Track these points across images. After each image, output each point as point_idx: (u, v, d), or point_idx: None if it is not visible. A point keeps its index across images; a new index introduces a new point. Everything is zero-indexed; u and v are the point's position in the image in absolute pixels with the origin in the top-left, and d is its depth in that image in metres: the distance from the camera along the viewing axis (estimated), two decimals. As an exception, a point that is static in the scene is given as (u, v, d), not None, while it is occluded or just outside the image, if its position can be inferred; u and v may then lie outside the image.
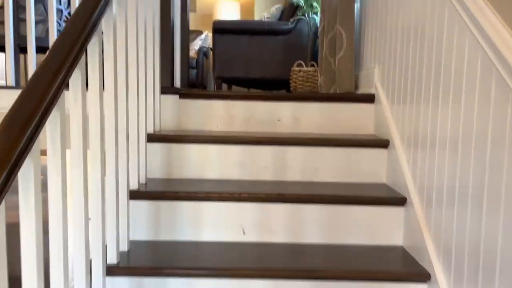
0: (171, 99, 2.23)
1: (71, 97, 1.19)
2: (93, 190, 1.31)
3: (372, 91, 2.26)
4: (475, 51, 1.21)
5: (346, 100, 2.26)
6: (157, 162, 1.94)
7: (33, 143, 0.93)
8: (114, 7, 1.38)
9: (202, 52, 5.35)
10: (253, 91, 4.03)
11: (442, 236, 1.41)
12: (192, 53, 5.40)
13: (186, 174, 1.94)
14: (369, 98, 2.24)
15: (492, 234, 1.11)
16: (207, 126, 2.25)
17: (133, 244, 1.66)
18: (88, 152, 1.27)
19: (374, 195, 1.75)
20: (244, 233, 1.72)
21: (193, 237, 1.72)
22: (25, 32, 2.20)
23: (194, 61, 5.26)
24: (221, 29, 3.56)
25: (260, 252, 1.65)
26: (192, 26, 6.46)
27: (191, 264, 1.53)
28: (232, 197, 1.71)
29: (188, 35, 2.56)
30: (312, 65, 3.14)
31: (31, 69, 2.22)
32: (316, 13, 3.49)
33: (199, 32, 5.91)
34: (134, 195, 1.69)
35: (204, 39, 5.72)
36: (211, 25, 5.77)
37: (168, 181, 1.91)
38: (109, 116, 1.40)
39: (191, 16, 5.70)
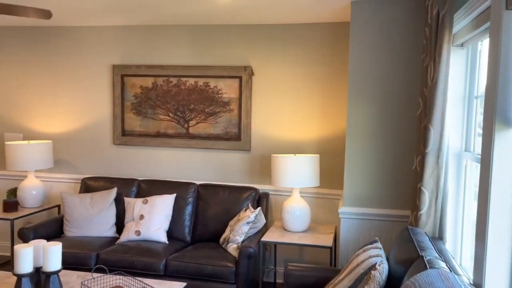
0: None
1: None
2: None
3: None
4: None
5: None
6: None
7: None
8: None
9: (246, 254, 3.08)
10: None
11: None
12: (232, 248, 3.26)
13: None
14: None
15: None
16: None
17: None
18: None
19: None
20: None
21: None
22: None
23: (232, 269, 3.06)
24: None
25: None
26: (243, 178, 3.85)
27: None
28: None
29: None
30: None
31: None
32: None
33: (251, 193, 3.67)
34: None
35: (254, 221, 3.37)
36: (270, 180, 3.62)
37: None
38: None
39: (241, 157, 3.50)
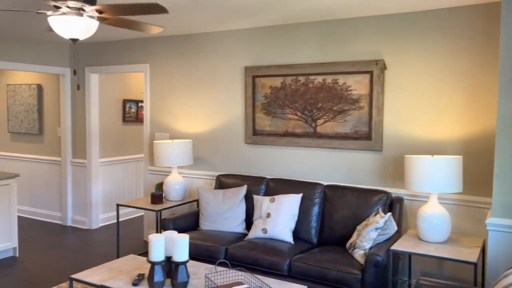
0: None
1: None
2: None
3: None
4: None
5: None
6: None
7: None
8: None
9: (373, 263, 2.85)
10: None
11: None
12: (358, 254, 3.06)
13: None
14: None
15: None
16: None
17: None
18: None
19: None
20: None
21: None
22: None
23: (358, 277, 2.86)
24: None
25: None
26: (374, 180, 3.54)
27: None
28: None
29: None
30: None
31: None
32: None
33: (382, 196, 3.41)
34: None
35: (383, 227, 3.10)
36: (403, 181, 3.13)
37: None
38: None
39: (372, 158, 3.19)
